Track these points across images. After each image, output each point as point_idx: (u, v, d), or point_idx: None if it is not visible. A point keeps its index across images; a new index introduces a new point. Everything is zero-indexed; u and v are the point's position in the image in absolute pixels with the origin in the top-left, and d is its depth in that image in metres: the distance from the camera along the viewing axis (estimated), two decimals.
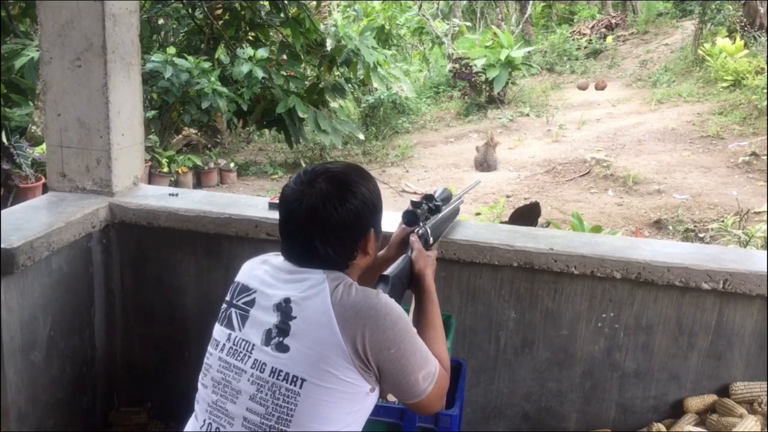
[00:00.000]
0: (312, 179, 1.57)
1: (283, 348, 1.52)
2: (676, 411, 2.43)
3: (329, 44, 9.82)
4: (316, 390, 1.49)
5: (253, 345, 1.56)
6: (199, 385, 1.65)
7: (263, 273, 1.64)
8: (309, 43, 9.73)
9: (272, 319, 1.55)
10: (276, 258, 1.66)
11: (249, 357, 1.56)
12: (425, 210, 2.00)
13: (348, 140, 11.14)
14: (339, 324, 1.49)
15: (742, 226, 6.98)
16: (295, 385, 1.49)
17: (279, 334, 1.53)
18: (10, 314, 2.22)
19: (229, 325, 1.63)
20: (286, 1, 9.11)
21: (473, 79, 13.82)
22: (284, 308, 1.54)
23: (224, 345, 1.61)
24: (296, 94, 9.47)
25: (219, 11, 9.72)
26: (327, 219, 1.54)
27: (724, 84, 12.54)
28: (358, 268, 1.65)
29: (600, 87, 14.97)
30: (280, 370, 1.51)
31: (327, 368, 1.48)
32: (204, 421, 1.60)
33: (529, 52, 15.05)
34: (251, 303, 1.61)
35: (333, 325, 1.49)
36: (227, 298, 1.68)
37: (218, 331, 1.66)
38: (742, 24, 14.23)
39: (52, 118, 2.67)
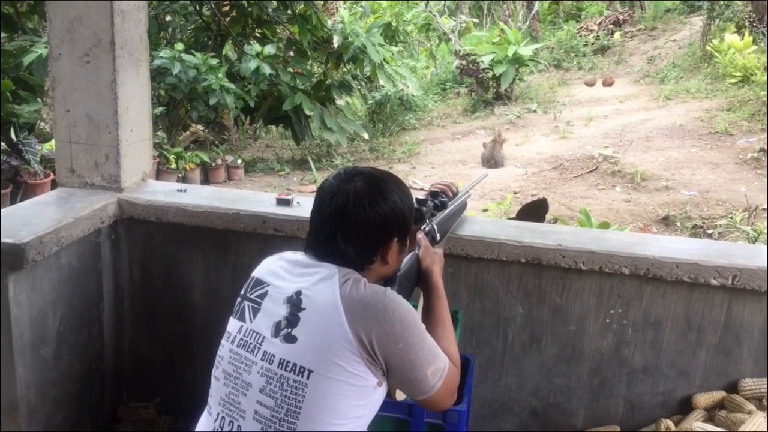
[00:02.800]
0: (350, 177, 1.60)
1: (291, 339, 1.53)
2: (685, 407, 2.43)
3: (336, 41, 9.81)
4: (324, 381, 1.49)
5: (263, 337, 1.57)
6: (212, 378, 1.66)
7: (278, 268, 1.65)
8: (316, 40, 9.73)
9: (282, 311, 1.56)
10: (293, 254, 1.68)
11: (259, 349, 1.57)
12: (431, 207, 2.00)
13: (355, 137, 11.14)
14: (347, 317, 1.49)
15: (750, 222, 6.95)
16: (302, 376, 1.50)
17: (288, 326, 1.54)
18: (20, 309, 2.23)
19: (241, 317, 1.64)
20: None
21: (480, 76, 13.78)
22: (295, 300, 1.56)
23: (235, 337, 1.63)
24: (303, 91, 9.47)
25: (226, 8, 9.74)
26: (353, 217, 1.56)
27: (733, 80, 12.48)
28: (374, 274, 1.65)
29: (608, 83, 14.92)
30: (288, 361, 1.52)
31: (334, 359, 1.49)
32: (217, 414, 1.61)
33: (536, 48, 14.99)
34: (263, 296, 1.62)
35: (341, 317, 1.50)
36: (242, 292, 1.69)
37: (231, 323, 1.67)
38: (751, 20, 14.14)
39: (60, 114, 2.68)
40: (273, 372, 1.53)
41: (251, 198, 2.73)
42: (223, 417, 1.60)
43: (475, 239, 2.41)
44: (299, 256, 1.66)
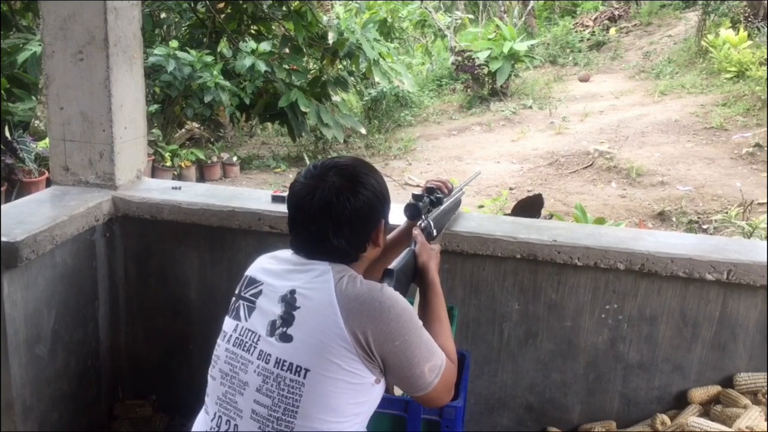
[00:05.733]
0: (323, 173, 1.59)
1: (286, 338, 1.53)
2: (680, 402, 2.43)
3: (331, 38, 9.79)
4: (321, 380, 1.49)
5: (259, 336, 1.57)
6: (209, 378, 1.66)
7: (271, 266, 1.65)
8: (311, 36, 9.71)
9: (277, 310, 1.56)
10: (285, 252, 1.67)
11: (255, 348, 1.57)
12: (427, 203, 2.00)
13: (351, 134, 11.12)
14: (342, 315, 1.49)
15: (745, 217, 6.96)
16: (299, 375, 1.50)
17: (283, 325, 1.54)
18: (14, 307, 2.23)
19: (237, 316, 1.64)
20: None
21: (476, 72, 13.77)
22: (289, 299, 1.55)
23: (231, 336, 1.63)
24: (299, 87, 9.46)
25: (221, 5, 9.70)
26: (341, 211, 1.55)
27: (728, 75, 12.48)
28: (366, 261, 1.66)
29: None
30: (284, 360, 1.52)
31: (330, 358, 1.49)
32: (214, 414, 1.61)
33: (531, 44, 14.99)
34: (258, 294, 1.62)
35: (336, 315, 1.49)
36: (236, 291, 1.69)
37: (227, 322, 1.67)
38: (746, 15, 14.16)
39: (54, 112, 2.67)
40: (270, 371, 1.53)
41: (246, 195, 2.73)
42: (220, 416, 1.59)
43: (471, 235, 2.41)
44: (290, 253, 1.66)
